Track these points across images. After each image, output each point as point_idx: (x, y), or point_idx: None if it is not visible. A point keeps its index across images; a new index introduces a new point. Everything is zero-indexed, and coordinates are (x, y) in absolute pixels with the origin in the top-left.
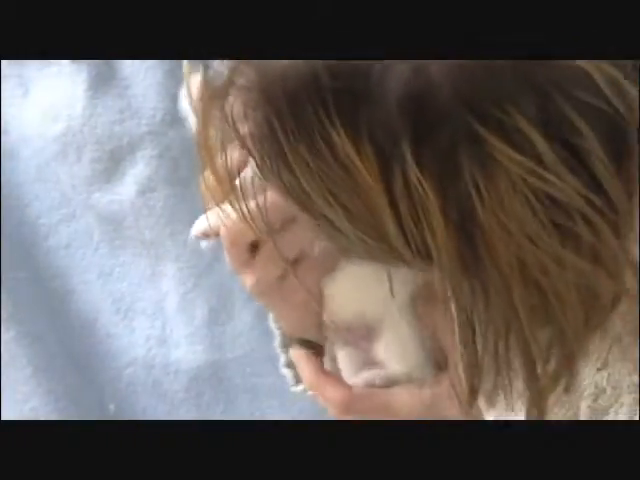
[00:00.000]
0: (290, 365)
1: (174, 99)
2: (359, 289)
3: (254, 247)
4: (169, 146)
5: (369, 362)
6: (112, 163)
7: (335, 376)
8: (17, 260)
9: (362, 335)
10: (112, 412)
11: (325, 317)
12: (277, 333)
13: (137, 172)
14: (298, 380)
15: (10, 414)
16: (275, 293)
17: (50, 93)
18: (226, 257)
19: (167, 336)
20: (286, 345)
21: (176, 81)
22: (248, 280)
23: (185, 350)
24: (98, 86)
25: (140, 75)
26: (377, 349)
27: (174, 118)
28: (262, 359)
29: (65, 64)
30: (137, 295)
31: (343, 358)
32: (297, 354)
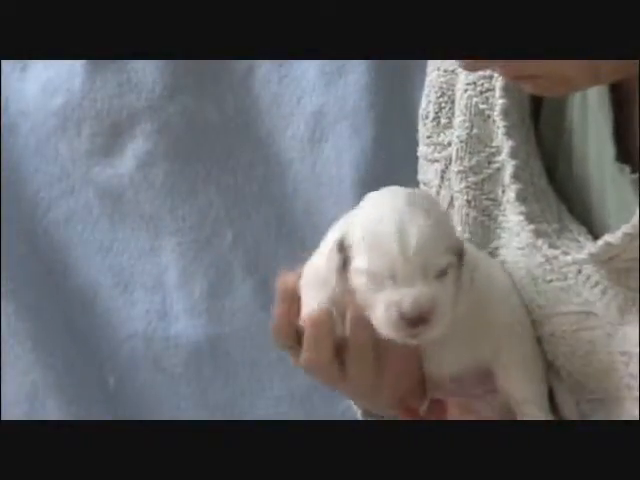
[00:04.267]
0: None
1: (174, 73)
2: None
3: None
4: (168, 120)
5: None
6: (111, 137)
7: None
8: (17, 234)
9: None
10: (112, 385)
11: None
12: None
13: (136, 146)
14: None
15: (11, 387)
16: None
17: (49, 67)
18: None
19: (167, 310)
20: None
21: None
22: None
23: (185, 324)
24: (97, 60)
25: None
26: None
27: (173, 92)
28: (261, 333)
29: None
30: (137, 269)
31: None
32: None
